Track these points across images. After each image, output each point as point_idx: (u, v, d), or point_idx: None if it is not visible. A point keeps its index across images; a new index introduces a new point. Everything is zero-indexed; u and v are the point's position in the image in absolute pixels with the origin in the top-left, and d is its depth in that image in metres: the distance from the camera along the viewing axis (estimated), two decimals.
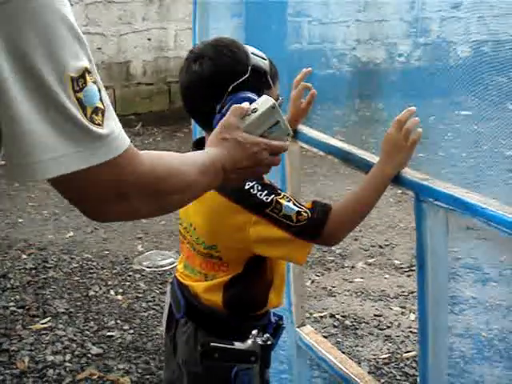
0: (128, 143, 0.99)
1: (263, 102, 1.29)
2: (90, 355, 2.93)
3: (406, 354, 2.88)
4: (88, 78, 0.94)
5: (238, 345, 1.49)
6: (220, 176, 1.20)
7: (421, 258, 1.48)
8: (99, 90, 0.95)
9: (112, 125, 0.96)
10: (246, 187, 1.44)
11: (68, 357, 2.90)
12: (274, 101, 1.29)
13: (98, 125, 0.94)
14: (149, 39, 6.64)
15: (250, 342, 1.48)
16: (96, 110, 0.95)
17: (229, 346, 1.48)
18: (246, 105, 1.28)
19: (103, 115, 0.95)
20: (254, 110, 1.27)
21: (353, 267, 3.73)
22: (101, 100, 0.95)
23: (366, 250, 3.93)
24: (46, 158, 0.91)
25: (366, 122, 6.16)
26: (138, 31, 6.59)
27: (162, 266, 3.78)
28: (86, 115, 0.93)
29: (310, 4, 6.83)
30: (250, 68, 1.45)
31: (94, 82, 0.95)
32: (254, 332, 1.49)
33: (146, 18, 6.58)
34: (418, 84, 6.47)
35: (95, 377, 2.78)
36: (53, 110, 0.90)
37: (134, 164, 1.02)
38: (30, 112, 0.89)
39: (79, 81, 0.93)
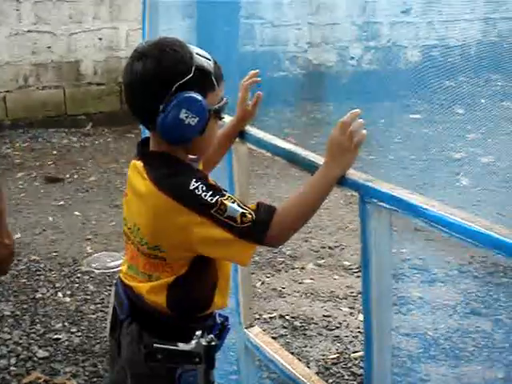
0: None
1: None
2: (35, 359, 2.88)
3: (354, 354, 2.91)
4: None
5: (181, 346, 1.47)
6: None
7: (365, 259, 1.49)
8: None
9: None
10: (191, 188, 1.43)
11: (13, 360, 2.85)
12: None
13: None
14: (100, 39, 6.57)
15: (193, 343, 1.47)
16: None
17: (172, 347, 1.47)
18: None
19: None
20: None
21: (303, 268, 3.75)
22: None
23: (316, 252, 3.96)
24: None
25: (317, 124, 6.20)
26: (88, 30, 6.52)
27: (111, 268, 3.74)
28: None
29: (263, 6, 6.85)
30: (193, 68, 1.44)
31: None
32: (198, 333, 1.48)
33: (97, 18, 6.51)
34: (369, 87, 6.54)
35: (41, 380, 2.73)
36: None
37: None
38: None
39: None
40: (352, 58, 7.28)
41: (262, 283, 3.56)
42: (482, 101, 7.06)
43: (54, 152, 5.88)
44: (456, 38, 7.72)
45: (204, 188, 1.43)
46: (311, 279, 3.63)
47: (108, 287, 3.50)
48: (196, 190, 1.43)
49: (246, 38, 6.56)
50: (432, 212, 1.29)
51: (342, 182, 1.49)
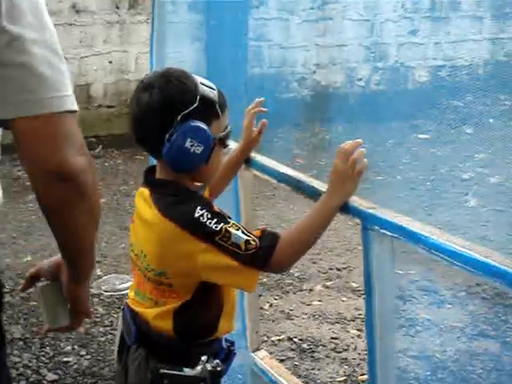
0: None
1: None
2: (45, 382, 2.90)
3: (362, 377, 2.91)
4: None
5: (187, 371, 1.50)
6: None
7: (368, 285, 1.51)
8: None
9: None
10: (196, 215, 1.46)
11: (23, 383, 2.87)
12: None
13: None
14: (110, 62, 6.65)
15: (199, 368, 1.49)
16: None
17: (178, 373, 1.49)
18: None
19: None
20: None
21: (311, 290, 3.76)
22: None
23: (324, 273, 3.97)
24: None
25: (325, 145, 6.22)
26: (99, 54, 6.59)
27: (120, 290, 3.76)
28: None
29: (271, 28, 6.91)
30: (198, 97, 1.47)
31: None
32: (204, 358, 1.50)
33: (108, 41, 6.59)
34: (377, 108, 6.58)
35: None
36: None
37: None
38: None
39: None
40: (360, 79, 7.32)
41: (270, 305, 3.57)
42: (491, 120, 7.07)
43: None
44: (464, 59, 7.76)
45: (209, 215, 1.46)
46: (319, 301, 3.64)
47: (117, 309, 3.52)
48: (201, 218, 1.46)
49: (254, 59, 6.62)
50: (432, 240, 1.31)
51: (345, 209, 1.51)
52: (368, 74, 7.31)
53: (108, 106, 6.71)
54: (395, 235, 1.39)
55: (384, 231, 1.41)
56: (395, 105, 6.74)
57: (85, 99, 6.62)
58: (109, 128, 6.68)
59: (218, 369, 1.58)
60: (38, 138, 1.18)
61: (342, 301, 3.63)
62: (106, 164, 6.25)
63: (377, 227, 1.43)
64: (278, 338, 3.25)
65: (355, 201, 1.52)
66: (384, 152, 5.92)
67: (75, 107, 1.24)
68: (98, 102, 6.68)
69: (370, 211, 1.45)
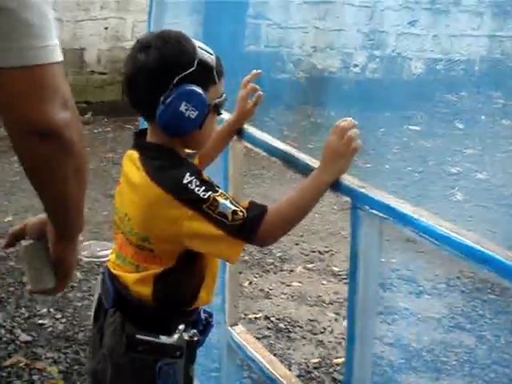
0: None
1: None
2: (18, 342, 2.87)
3: (336, 360, 2.91)
4: None
5: (163, 339, 1.48)
6: None
7: (353, 265, 1.49)
8: None
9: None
10: (184, 182, 1.43)
11: None
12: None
13: None
14: (106, 28, 6.57)
15: (176, 336, 1.47)
16: None
17: (154, 340, 1.48)
18: None
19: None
20: None
21: (291, 271, 3.75)
22: None
23: (306, 255, 3.96)
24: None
25: (316, 129, 6.20)
26: (95, 19, 6.51)
27: (100, 257, 3.73)
28: None
29: (271, 7, 6.85)
30: (196, 61, 1.44)
31: None
32: (181, 327, 1.49)
33: (105, 7, 6.51)
34: (371, 96, 6.56)
35: (22, 364, 2.73)
36: None
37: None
38: None
39: None
40: (356, 65, 7.29)
41: (250, 283, 3.56)
42: (482, 117, 7.09)
43: None
44: (461, 53, 7.75)
45: (197, 183, 1.43)
46: (299, 282, 3.63)
47: (96, 275, 3.50)
48: (189, 185, 1.43)
49: (251, 37, 6.57)
50: (422, 222, 1.29)
51: (335, 186, 1.49)
52: (364, 61, 7.28)
53: (101, 73, 6.64)
54: (385, 216, 1.37)
55: (374, 211, 1.39)
56: (389, 94, 6.73)
57: (78, 64, 6.55)
58: (100, 95, 6.62)
59: (195, 339, 1.56)
60: (19, 93, 1.08)
61: (322, 284, 3.63)
62: (95, 131, 6.20)
63: (367, 207, 1.40)
64: (255, 316, 3.24)
65: (346, 179, 1.49)
66: (374, 140, 5.91)
67: (61, 58, 1.13)
68: (91, 67, 6.60)
69: (361, 190, 1.43)
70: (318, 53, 7.09)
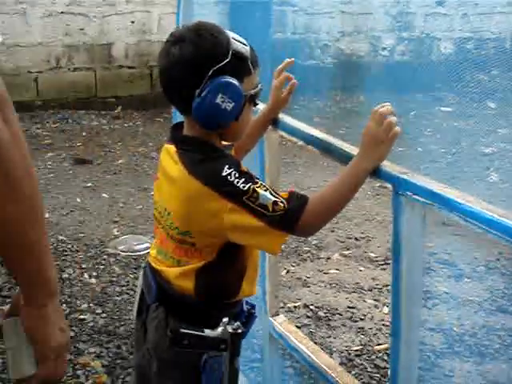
0: None
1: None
2: None
3: (378, 347, 2.90)
4: None
5: (208, 332, 1.48)
6: None
7: (396, 252, 1.47)
8: None
9: None
10: (224, 174, 1.42)
11: None
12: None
13: None
14: (132, 22, 6.58)
15: (220, 329, 1.47)
16: None
17: (198, 333, 1.47)
18: None
19: None
20: None
21: (328, 258, 3.73)
22: None
23: (342, 242, 3.94)
24: None
25: (346, 114, 6.16)
26: (121, 13, 6.53)
27: (137, 251, 3.76)
28: None
29: None
30: (230, 53, 1.43)
31: None
32: (225, 320, 1.48)
33: (130, 1, 6.52)
34: (401, 78, 6.48)
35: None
36: None
37: None
38: None
39: None
40: (384, 48, 7.21)
41: (287, 272, 3.55)
42: None
43: (84, 134, 5.92)
44: (491, 31, 7.61)
45: (237, 175, 1.42)
46: (336, 270, 3.62)
47: (133, 270, 3.52)
48: (229, 177, 1.42)
49: (278, 25, 6.53)
50: (467, 207, 1.27)
51: (376, 173, 1.47)
52: (392, 44, 7.20)
53: (129, 67, 6.66)
54: (428, 201, 1.34)
55: (416, 197, 1.37)
56: (419, 76, 6.64)
57: (106, 59, 6.57)
58: (129, 89, 6.64)
59: (239, 331, 1.56)
60: None
61: (360, 270, 3.61)
62: (126, 125, 6.23)
63: (409, 193, 1.38)
64: (294, 304, 3.24)
65: (386, 165, 1.47)
66: (406, 123, 5.84)
67: None
68: (119, 62, 6.63)
69: (403, 176, 1.41)
70: (346, 37, 7.03)
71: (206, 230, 1.48)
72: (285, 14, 6.73)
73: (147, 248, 3.67)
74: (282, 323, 2.12)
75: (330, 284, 3.46)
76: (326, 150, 1.66)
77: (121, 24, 6.54)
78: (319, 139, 1.69)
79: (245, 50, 1.47)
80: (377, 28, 7.09)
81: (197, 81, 1.42)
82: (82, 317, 3.07)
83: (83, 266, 3.55)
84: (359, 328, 3.06)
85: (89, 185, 4.73)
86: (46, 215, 4.08)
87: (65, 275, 3.44)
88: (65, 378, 2.64)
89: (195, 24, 1.50)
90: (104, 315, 3.10)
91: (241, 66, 1.46)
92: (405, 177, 1.40)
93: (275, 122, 1.85)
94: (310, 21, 6.89)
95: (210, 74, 1.41)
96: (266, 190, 1.43)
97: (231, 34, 1.47)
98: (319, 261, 3.71)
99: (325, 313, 3.17)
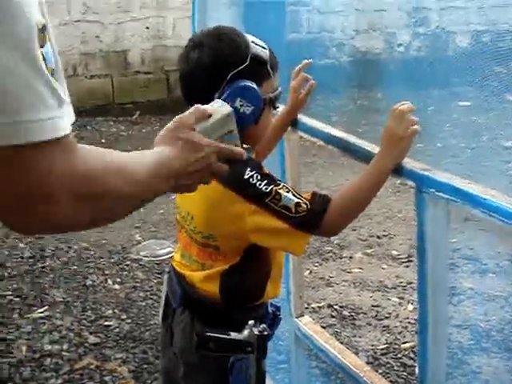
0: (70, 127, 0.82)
1: (220, 109, 1.23)
2: (87, 344, 2.92)
3: (404, 345, 2.88)
4: (46, 35, 0.79)
5: (233, 335, 1.47)
6: (172, 178, 1.05)
7: (421, 249, 1.47)
8: (53, 52, 0.81)
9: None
10: (246, 176, 1.43)
11: (65, 346, 2.89)
12: (230, 109, 1.25)
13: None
14: (147, 28, 6.61)
15: (246, 332, 1.47)
16: (53, 73, 0.79)
17: (225, 336, 1.47)
18: (208, 107, 1.22)
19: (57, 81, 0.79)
20: (209, 116, 1.21)
21: (351, 257, 3.72)
22: (56, 63, 0.81)
23: (364, 241, 3.92)
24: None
25: (364, 112, 6.14)
26: (135, 19, 6.56)
27: (159, 256, 3.77)
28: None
29: None
30: (249, 56, 1.43)
31: (50, 41, 0.80)
32: (251, 322, 1.48)
33: (144, 7, 6.55)
34: (417, 74, 6.44)
35: (93, 366, 2.77)
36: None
37: (68, 154, 0.82)
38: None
39: (41, 35, 0.77)
40: (400, 44, 7.18)
41: (310, 272, 3.55)
42: None
43: (103, 140, 5.95)
44: (507, 23, 7.56)
45: (259, 177, 1.43)
46: (359, 268, 3.60)
47: (157, 275, 3.54)
48: (251, 179, 1.42)
49: (292, 25, 6.52)
50: (492, 202, 1.26)
51: (398, 171, 1.46)
52: (408, 40, 7.16)
53: (145, 73, 6.69)
54: (452, 198, 1.34)
55: (440, 194, 1.36)
56: (436, 71, 6.60)
57: (122, 65, 6.61)
58: (146, 94, 6.67)
59: (265, 333, 1.55)
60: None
61: (383, 268, 3.59)
62: (144, 130, 6.25)
63: (432, 190, 1.38)
64: (318, 305, 3.23)
65: (408, 162, 1.47)
66: (424, 119, 5.80)
67: (52, 134, 0.80)
68: (135, 68, 6.66)
69: (426, 173, 1.40)
70: (361, 35, 7.01)
71: (230, 233, 1.49)
72: (299, 14, 6.72)
73: (170, 252, 3.69)
74: (307, 324, 2.12)
75: (354, 283, 3.45)
76: (346, 148, 1.66)
77: (136, 30, 6.57)
78: (338, 138, 1.69)
79: (264, 53, 1.47)
80: (391, 25, 7.07)
81: (216, 85, 1.42)
82: (106, 323, 3.09)
83: (106, 273, 3.57)
84: (384, 326, 3.04)
85: None
86: None
87: (88, 282, 3.46)
88: None
89: (214, 28, 1.50)
90: (129, 321, 3.11)
91: (260, 69, 1.46)
92: (427, 173, 1.40)
93: (294, 123, 1.85)
94: (324, 20, 6.88)
95: (228, 78, 1.42)
96: (288, 192, 1.43)
97: (251, 38, 1.47)
98: (342, 260, 3.70)
99: (349, 312, 3.16)
